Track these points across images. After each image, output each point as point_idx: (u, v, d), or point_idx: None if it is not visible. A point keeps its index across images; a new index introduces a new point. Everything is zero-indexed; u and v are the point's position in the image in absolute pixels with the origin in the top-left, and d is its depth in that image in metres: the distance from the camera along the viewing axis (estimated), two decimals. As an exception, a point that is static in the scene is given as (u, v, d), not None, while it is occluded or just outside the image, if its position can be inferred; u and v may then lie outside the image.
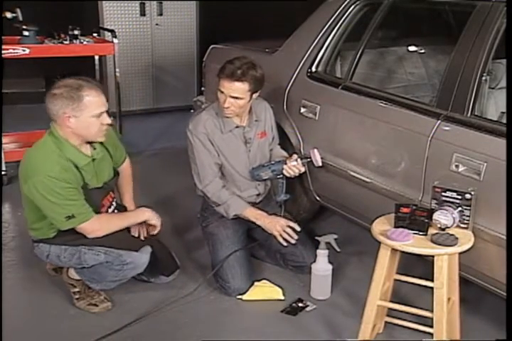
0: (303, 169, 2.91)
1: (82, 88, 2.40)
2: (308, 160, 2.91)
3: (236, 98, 2.75)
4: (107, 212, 2.67)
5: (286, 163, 2.89)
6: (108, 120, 2.49)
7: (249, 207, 2.89)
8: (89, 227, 2.50)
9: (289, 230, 2.85)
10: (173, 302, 2.71)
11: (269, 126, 3.03)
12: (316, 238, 2.89)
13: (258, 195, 3.05)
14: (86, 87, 2.42)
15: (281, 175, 2.92)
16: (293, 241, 2.85)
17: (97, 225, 2.52)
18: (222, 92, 2.76)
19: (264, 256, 3.11)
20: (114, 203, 2.75)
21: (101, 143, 2.61)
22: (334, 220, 3.56)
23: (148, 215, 2.71)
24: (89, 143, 2.55)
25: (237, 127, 2.89)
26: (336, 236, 2.93)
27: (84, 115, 2.41)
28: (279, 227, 2.84)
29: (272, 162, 2.95)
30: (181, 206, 3.79)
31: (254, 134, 2.95)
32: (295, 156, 2.92)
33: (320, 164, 2.90)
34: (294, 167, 2.88)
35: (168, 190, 3.99)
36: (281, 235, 2.84)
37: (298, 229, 2.87)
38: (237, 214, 2.88)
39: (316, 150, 2.88)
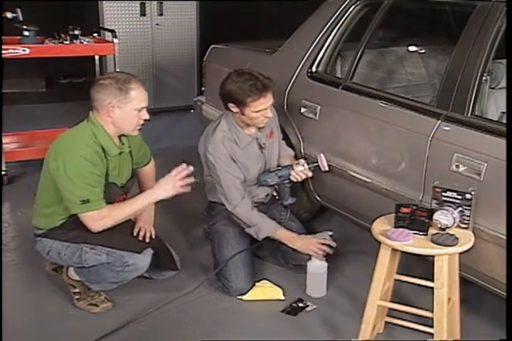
0: (310, 174, 2.89)
1: (130, 81, 2.47)
2: (316, 165, 2.88)
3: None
4: None
5: (293, 169, 2.88)
6: (147, 115, 2.55)
7: (280, 229, 2.88)
8: (93, 217, 2.47)
9: (324, 247, 2.83)
10: (172, 300, 2.71)
11: (274, 125, 3.02)
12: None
13: (267, 195, 3.08)
14: (133, 80, 2.48)
15: (287, 180, 2.91)
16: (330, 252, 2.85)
17: (99, 217, 2.49)
18: (259, 111, 2.73)
19: (266, 255, 3.11)
20: None
21: (128, 141, 2.65)
22: (335, 220, 3.56)
23: (156, 196, 2.59)
24: (120, 137, 2.60)
25: (252, 139, 2.89)
26: (331, 233, 2.93)
27: (128, 107, 2.47)
28: (314, 248, 2.82)
29: (279, 167, 2.94)
30: (183, 206, 3.78)
31: (265, 138, 2.95)
32: (302, 161, 2.91)
33: (327, 169, 2.88)
34: (301, 172, 2.88)
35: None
36: (316, 253, 2.83)
37: (334, 244, 2.86)
38: (267, 236, 2.88)
39: (322, 154, 2.87)
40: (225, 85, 2.76)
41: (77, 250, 2.56)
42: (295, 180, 2.91)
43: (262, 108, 2.73)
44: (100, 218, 2.50)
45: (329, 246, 2.84)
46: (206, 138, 2.88)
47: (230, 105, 2.76)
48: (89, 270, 2.59)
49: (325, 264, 2.81)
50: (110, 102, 2.45)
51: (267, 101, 2.73)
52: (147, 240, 2.71)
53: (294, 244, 2.86)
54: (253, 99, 2.69)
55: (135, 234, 2.72)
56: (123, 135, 2.61)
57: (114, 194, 2.64)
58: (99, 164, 2.49)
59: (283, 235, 2.88)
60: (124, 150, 2.62)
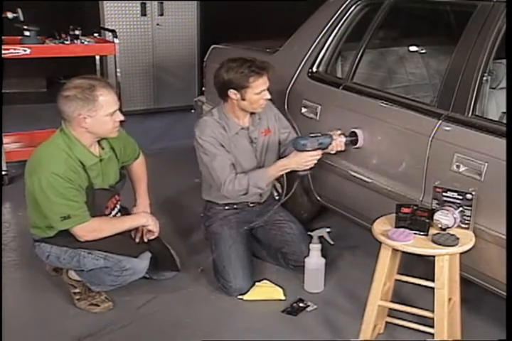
0: (344, 148, 2.81)
1: (95, 88, 2.40)
2: (353, 139, 2.81)
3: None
4: (110, 214, 2.68)
5: (333, 138, 2.77)
6: (121, 117, 2.51)
7: (269, 168, 2.81)
8: (81, 231, 2.49)
9: (315, 153, 2.73)
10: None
11: (273, 123, 3.00)
12: (309, 233, 2.89)
13: (261, 194, 3.03)
14: (98, 86, 2.41)
15: (325, 149, 2.77)
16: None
17: (89, 229, 2.50)
18: (260, 92, 2.75)
19: (265, 255, 3.11)
20: (118, 206, 2.75)
21: (109, 143, 2.62)
22: (335, 220, 3.55)
23: (146, 220, 2.69)
24: (98, 142, 2.57)
25: (242, 129, 2.89)
26: (328, 230, 2.95)
27: (99, 114, 2.42)
28: (306, 163, 2.72)
29: (319, 134, 2.76)
30: (184, 206, 3.79)
31: (258, 133, 2.94)
32: (339, 132, 2.81)
33: (362, 145, 2.80)
34: (340, 143, 2.79)
35: (170, 191, 3.98)
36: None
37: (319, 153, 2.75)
38: (269, 181, 2.83)
39: (360, 130, 2.80)
40: (221, 74, 2.76)
41: (75, 255, 2.55)
42: (332, 152, 2.81)
43: (263, 88, 2.75)
44: (90, 230, 2.51)
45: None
46: (195, 125, 2.88)
47: (231, 92, 2.75)
48: (88, 273, 2.59)
49: (322, 260, 2.84)
50: (80, 113, 2.39)
51: (266, 81, 2.76)
52: (145, 240, 2.72)
53: (289, 166, 2.76)
54: (254, 78, 2.71)
55: (132, 235, 2.72)
56: (103, 138, 2.57)
57: (104, 198, 2.63)
58: (75, 178, 2.44)
59: (275, 170, 2.79)
60: (103, 157, 2.58)
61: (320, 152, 2.74)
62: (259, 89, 2.74)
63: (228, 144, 2.84)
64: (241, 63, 2.73)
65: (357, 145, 2.83)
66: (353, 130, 2.83)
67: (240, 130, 2.88)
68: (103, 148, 2.59)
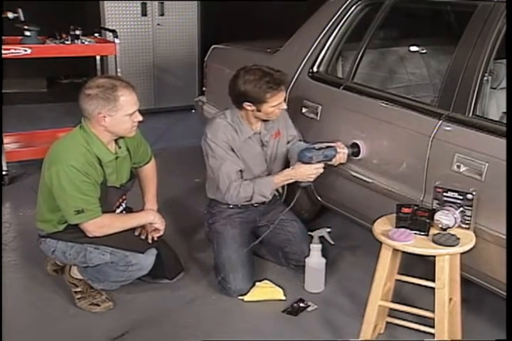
0: (346, 161, 2.83)
1: (117, 88, 2.42)
2: (355, 150, 2.83)
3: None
4: (114, 211, 2.69)
5: (336, 151, 2.79)
6: (139, 117, 2.53)
7: (274, 176, 2.83)
8: (91, 226, 2.51)
9: (319, 166, 2.75)
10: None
11: (283, 125, 3.00)
12: (310, 233, 2.89)
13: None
14: (120, 86, 2.44)
15: (329, 161, 2.80)
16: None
17: (100, 225, 2.52)
18: (276, 105, 2.74)
19: (265, 253, 3.11)
20: (123, 204, 2.77)
21: (125, 143, 2.64)
22: (336, 220, 3.55)
23: (153, 218, 2.72)
24: (115, 140, 2.59)
25: (254, 133, 2.88)
26: (329, 230, 2.95)
27: (119, 114, 2.45)
28: (311, 175, 2.75)
29: (323, 146, 2.80)
30: (185, 206, 3.79)
31: (269, 136, 2.93)
32: (342, 145, 2.82)
33: (364, 156, 2.81)
34: (343, 156, 2.80)
35: (170, 191, 3.97)
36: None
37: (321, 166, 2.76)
38: (273, 189, 2.85)
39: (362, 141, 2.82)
40: (237, 86, 2.74)
41: (81, 250, 2.57)
42: (335, 164, 2.83)
43: (280, 101, 2.75)
44: (100, 226, 2.53)
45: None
46: (207, 126, 2.87)
47: (246, 104, 2.74)
48: (93, 268, 2.61)
49: (323, 260, 2.84)
50: (100, 112, 2.42)
51: (283, 94, 2.76)
52: (149, 241, 2.72)
53: (293, 177, 2.78)
54: (272, 94, 2.70)
55: (137, 233, 2.73)
56: (120, 137, 2.60)
57: (115, 195, 2.65)
58: (92, 173, 2.47)
59: (280, 179, 2.81)
60: (119, 155, 2.61)
61: (323, 164, 2.77)
62: (275, 103, 2.74)
63: (239, 148, 2.84)
64: (259, 77, 2.69)
65: (359, 157, 2.84)
66: (354, 141, 2.84)
67: (252, 135, 2.87)
68: (119, 147, 2.62)
